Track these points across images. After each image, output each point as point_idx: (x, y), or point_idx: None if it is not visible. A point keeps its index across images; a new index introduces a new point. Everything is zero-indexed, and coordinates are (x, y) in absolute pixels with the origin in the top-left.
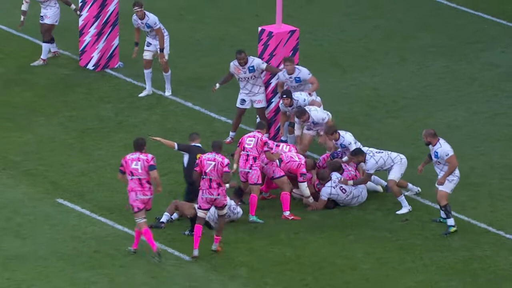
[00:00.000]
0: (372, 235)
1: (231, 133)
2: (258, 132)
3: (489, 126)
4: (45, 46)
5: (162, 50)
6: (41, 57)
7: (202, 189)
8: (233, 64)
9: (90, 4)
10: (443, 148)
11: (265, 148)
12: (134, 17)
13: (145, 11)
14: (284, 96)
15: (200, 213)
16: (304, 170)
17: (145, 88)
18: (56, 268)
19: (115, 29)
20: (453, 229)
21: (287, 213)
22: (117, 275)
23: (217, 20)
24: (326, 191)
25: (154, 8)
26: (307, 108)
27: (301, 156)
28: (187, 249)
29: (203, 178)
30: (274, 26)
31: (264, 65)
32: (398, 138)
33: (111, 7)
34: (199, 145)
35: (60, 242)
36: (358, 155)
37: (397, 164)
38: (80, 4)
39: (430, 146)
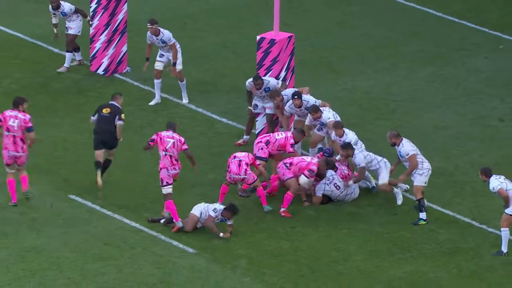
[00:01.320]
0: (363, 229)
1: (244, 137)
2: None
3: (473, 127)
4: (68, 56)
5: (174, 64)
6: (65, 65)
7: (166, 167)
8: (249, 84)
9: (101, 13)
10: (405, 148)
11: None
12: (149, 33)
13: (159, 27)
14: (296, 96)
15: (168, 189)
16: (314, 167)
17: (154, 97)
18: (68, 260)
19: (124, 37)
20: (422, 222)
21: (282, 209)
22: (125, 266)
23: (219, 28)
24: (321, 187)
25: (159, 17)
26: (320, 107)
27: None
28: (191, 241)
29: (164, 155)
30: (272, 33)
31: (279, 84)
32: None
33: (120, 16)
34: (118, 105)
35: (72, 235)
36: (347, 148)
37: (382, 168)
38: (91, 14)
39: (396, 147)
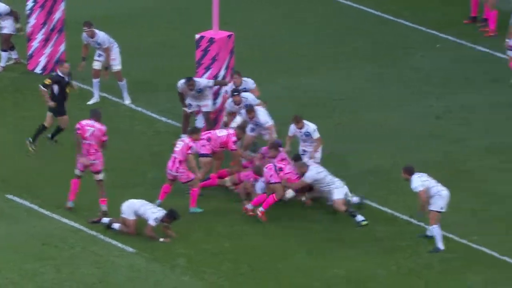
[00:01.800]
0: (303, 227)
1: (182, 135)
2: (190, 138)
3: (411, 125)
4: (4, 55)
5: (107, 68)
6: (0, 64)
7: (82, 153)
8: (181, 85)
9: (38, 11)
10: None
11: (189, 151)
12: (84, 35)
13: (95, 29)
14: (236, 93)
15: (79, 172)
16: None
17: (93, 96)
18: (6, 260)
19: (61, 35)
20: (364, 223)
21: (261, 209)
22: (64, 266)
23: (159, 27)
24: (260, 186)
25: (100, 16)
26: (255, 108)
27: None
28: (130, 241)
29: (84, 143)
30: (211, 31)
31: (212, 83)
32: (330, 137)
33: (57, 15)
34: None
35: (10, 236)
36: (301, 166)
37: (333, 189)
38: (27, 12)
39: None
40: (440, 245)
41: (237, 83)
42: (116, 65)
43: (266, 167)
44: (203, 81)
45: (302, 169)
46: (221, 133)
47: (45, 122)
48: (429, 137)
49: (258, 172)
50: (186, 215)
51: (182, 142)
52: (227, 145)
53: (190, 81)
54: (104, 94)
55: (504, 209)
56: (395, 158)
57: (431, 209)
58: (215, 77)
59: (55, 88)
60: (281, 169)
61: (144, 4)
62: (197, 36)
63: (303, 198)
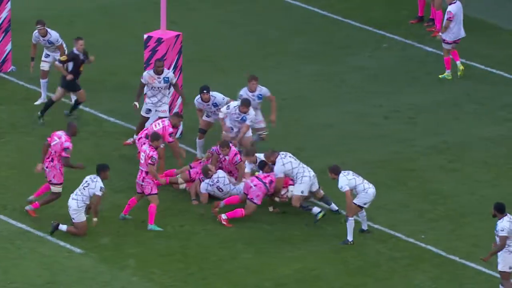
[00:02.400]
0: (252, 226)
1: (135, 136)
2: (150, 146)
3: (358, 125)
4: None
5: (61, 62)
6: None
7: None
8: (148, 74)
9: None
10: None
11: (149, 161)
12: (36, 34)
13: (47, 28)
14: (205, 91)
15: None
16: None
17: (41, 96)
18: None
19: (7, 35)
20: (321, 215)
21: (224, 217)
22: (12, 267)
23: (106, 26)
24: (203, 186)
25: (45, 16)
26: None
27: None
28: (78, 241)
29: (49, 150)
30: (159, 31)
31: (174, 80)
32: (277, 137)
33: (3, 14)
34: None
35: None
36: (270, 155)
37: (299, 180)
38: None
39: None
40: (350, 237)
41: (252, 89)
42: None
43: (256, 186)
44: (170, 72)
45: (271, 158)
46: (157, 126)
47: (53, 96)
48: (377, 137)
49: (205, 173)
50: (135, 215)
51: (144, 153)
52: (164, 138)
53: (160, 62)
54: (52, 95)
55: (450, 208)
56: (343, 158)
57: (354, 201)
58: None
59: (70, 65)
60: (271, 182)
61: (89, 4)
62: (145, 36)
63: (193, 199)
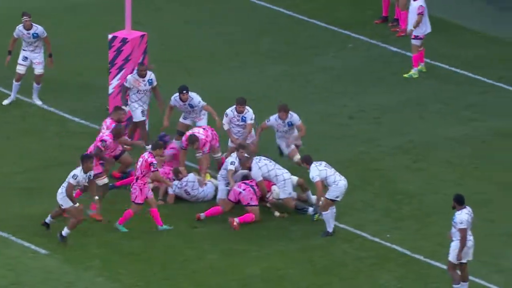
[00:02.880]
0: (218, 227)
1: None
2: (150, 153)
3: (323, 125)
4: None
5: (51, 55)
6: None
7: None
8: (132, 78)
9: None
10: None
11: (152, 169)
12: (20, 27)
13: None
14: (184, 91)
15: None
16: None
17: (10, 96)
18: None
19: None
20: (316, 216)
21: (237, 220)
22: None
23: (70, 26)
24: (172, 187)
25: (10, 14)
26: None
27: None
28: (43, 242)
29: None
30: (124, 32)
31: (155, 82)
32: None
33: None
34: None
35: None
36: (246, 161)
37: (281, 183)
38: None
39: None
40: (329, 228)
41: (283, 118)
42: (40, 68)
43: (245, 190)
44: (152, 74)
45: (247, 164)
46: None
47: None
48: (343, 137)
49: (176, 175)
50: (100, 215)
51: (141, 159)
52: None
53: (143, 65)
54: (17, 95)
55: (416, 207)
56: None
57: (326, 196)
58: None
59: None
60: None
61: (55, 3)
62: (110, 36)
63: (159, 199)
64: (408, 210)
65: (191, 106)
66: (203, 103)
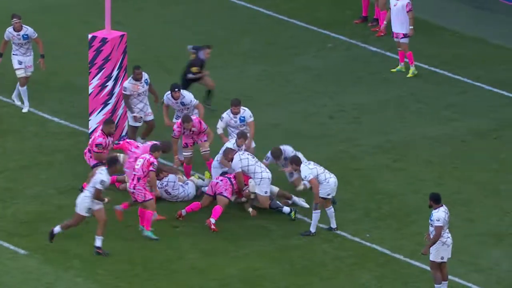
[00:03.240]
0: (197, 227)
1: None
2: (151, 154)
3: (304, 125)
4: None
5: (43, 56)
6: None
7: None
8: (130, 83)
9: None
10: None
11: (151, 168)
12: (10, 29)
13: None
14: (176, 89)
15: None
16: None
17: (24, 104)
18: None
19: None
20: (293, 214)
21: (212, 220)
22: None
23: (50, 26)
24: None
25: None
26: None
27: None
28: (22, 243)
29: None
30: (104, 31)
31: (149, 80)
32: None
33: None
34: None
35: None
36: (228, 153)
37: (265, 179)
38: None
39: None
40: (313, 229)
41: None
42: (30, 72)
43: (222, 180)
44: (146, 74)
45: (230, 155)
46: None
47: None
48: (322, 137)
49: (157, 174)
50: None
51: (143, 159)
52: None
53: (138, 69)
54: None
55: (395, 207)
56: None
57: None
58: (109, 76)
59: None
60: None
61: (33, 3)
62: (90, 36)
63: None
64: (388, 210)
65: (183, 104)
66: (195, 101)
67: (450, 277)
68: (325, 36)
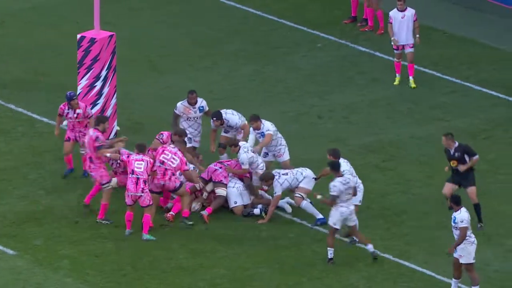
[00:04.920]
0: (187, 227)
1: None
2: (144, 155)
3: (294, 125)
4: None
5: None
6: None
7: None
8: (182, 105)
9: None
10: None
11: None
12: None
13: None
14: (214, 118)
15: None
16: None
17: None
18: None
19: None
20: (263, 213)
21: (206, 213)
22: None
23: (39, 26)
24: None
25: None
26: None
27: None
28: (11, 243)
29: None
30: (93, 32)
31: (207, 108)
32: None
33: None
34: None
35: None
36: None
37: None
38: None
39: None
40: (318, 215)
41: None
42: None
43: (221, 168)
44: (203, 100)
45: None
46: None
47: None
48: (312, 137)
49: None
50: (68, 216)
51: (143, 162)
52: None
53: (193, 94)
54: None
55: (385, 207)
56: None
57: (303, 186)
58: (97, 76)
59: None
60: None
61: (22, 4)
62: (78, 36)
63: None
64: (377, 209)
65: (230, 126)
66: (240, 122)
67: (439, 276)
68: (315, 36)
